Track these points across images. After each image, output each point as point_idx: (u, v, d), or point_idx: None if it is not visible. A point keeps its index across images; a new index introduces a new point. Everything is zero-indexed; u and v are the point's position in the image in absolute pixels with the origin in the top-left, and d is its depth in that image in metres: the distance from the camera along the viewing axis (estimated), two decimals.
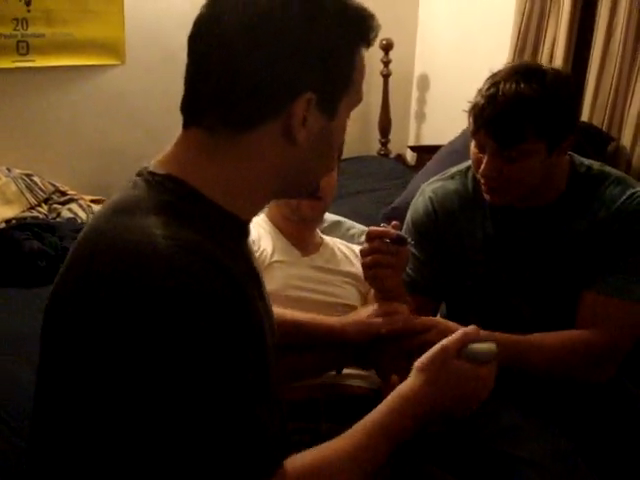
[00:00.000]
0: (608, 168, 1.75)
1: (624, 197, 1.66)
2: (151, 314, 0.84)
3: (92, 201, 2.87)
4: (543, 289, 1.73)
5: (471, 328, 1.16)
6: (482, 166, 1.63)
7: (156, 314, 0.84)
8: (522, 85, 1.56)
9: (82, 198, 2.85)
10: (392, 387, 1.30)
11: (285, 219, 1.91)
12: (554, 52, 2.98)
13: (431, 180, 1.90)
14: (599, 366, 1.67)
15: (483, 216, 1.77)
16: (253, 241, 1.70)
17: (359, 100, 1.07)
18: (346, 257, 1.99)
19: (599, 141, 2.77)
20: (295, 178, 1.06)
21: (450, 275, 1.84)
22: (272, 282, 1.35)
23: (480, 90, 1.62)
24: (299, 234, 1.91)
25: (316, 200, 1.82)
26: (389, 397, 1.09)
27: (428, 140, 3.81)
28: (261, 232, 1.88)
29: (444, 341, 1.13)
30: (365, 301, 1.95)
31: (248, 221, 1.07)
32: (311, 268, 1.87)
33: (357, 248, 2.05)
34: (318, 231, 2.02)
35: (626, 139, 2.76)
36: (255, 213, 1.09)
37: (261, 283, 1.11)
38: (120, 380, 0.86)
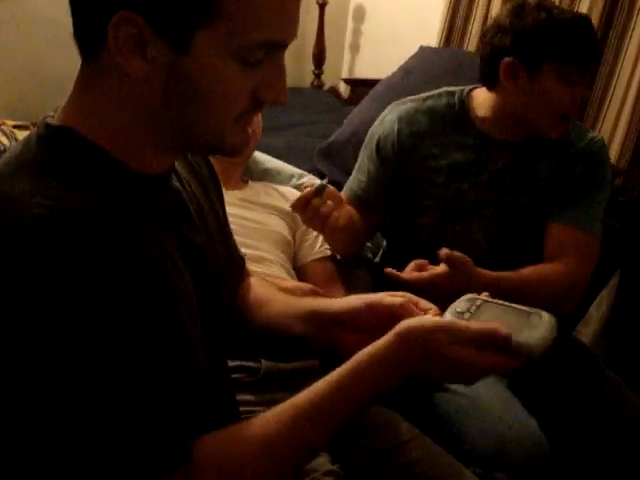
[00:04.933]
0: None
1: (585, 141, 1.79)
2: (17, 289, 0.76)
3: (15, 127, 2.74)
4: (505, 219, 1.78)
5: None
6: (576, 99, 1.69)
7: (21, 289, 0.76)
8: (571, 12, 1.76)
9: (4, 123, 2.70)
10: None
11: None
12: None
13: (403, 100, 1.91)
14: (570, 296, 1.78)
15: (459, 142, 1.80)
16: None
17: (263, 37, 0.87)
18: (271, 195, 2.01)
19: None
20: (178, 128, 0.90)
21: (406, 195, 1.86)
22: None
23: (537, 19, 1.63)
24: (223, 170, 1.90)
25: None
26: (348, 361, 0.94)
27: (361, 73, 3.77)
28: None
29: (426, 321, 0.94)
30: (294, 235, 1.98)
31: (143, 173, 0.93)
32: (235, 199, 1.87)
33: (283, 189, 2.07)
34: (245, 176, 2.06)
35: None
36: (150, 163, 0.94)
37: (191, 217, 1.04)
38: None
